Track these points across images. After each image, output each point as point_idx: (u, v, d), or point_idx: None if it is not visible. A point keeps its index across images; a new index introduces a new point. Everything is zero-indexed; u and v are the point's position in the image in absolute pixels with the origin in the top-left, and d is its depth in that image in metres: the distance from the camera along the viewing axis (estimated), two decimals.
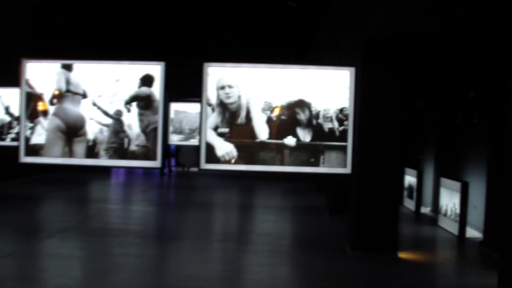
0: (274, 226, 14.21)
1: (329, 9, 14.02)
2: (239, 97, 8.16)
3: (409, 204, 16.48)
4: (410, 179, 16.66)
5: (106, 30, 18.53)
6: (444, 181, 14.19)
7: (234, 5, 18.28)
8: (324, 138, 8.11)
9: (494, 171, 12.03)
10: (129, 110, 8.42)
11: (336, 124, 8.09)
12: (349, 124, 8.06)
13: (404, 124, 11.01)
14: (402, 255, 10.85)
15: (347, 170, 8.08)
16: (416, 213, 16.14)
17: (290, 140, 8.12)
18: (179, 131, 18.40)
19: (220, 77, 8.15)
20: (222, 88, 8.16)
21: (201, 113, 8.23)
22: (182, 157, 27.70)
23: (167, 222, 14.75)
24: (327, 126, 8.10)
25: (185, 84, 16.75)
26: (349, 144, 8.06)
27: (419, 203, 16.25)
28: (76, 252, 10.87)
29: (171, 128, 18.19)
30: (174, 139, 18.44)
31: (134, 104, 8.40)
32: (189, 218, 15.32)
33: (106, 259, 10.20)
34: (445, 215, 13.93)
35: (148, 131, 8.43)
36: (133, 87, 8.38)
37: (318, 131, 8.11)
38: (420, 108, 16.51)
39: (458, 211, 13.17)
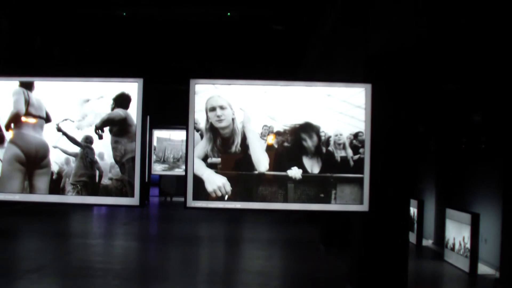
0: (265, 263, 12.66)
1: (321, 28, 12.55)
2: (233, 120, 6.55)
3: (409, 236, 14.87)
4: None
5: (73, 42, 16.68)
6: (450, 212, 12.68)
7: (219, 30, 16.93)
8: (335, 169, 6.50)
9: (510, 201, 10.59)
10: (100, 137, 6.76)
11: (350, 152, 6.49)
12: (366, 152, 6.47)
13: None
14: None
15: (364, 207, 6.46)
16: (417, 246, 14.57)
17: (295, 172, 6.50)
18: (162, 160, 16.79)
19: (210, 96, 6.55)
20: (213, 109, 6.54)
21: (187, 139, 6.61)
22: (165, 186, 25.78)
23: (150, 260, 13.12)
24: (339, 154, 6.51)
25: (169, 109, 15.27)
26: (366, 176, 6.47)
27: (420, 236, 14.71)
28: None
29: (154, 157, 16.61)
30: (158, 169, 16.81)
31: (106, 129, 6.75)
32: (174, 255, 13.72)
33: None
34: (452, 249, 12.40)
35: (124, 161, 6.78)
36: (106, 109, 6.74)
37: (328, 161, 6.50)
38: (418, 132, 15.04)
39: (468, 245, 11.66)
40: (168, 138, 16.86)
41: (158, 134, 16.84)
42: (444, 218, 13.10)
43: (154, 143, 16.67)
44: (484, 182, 12.34)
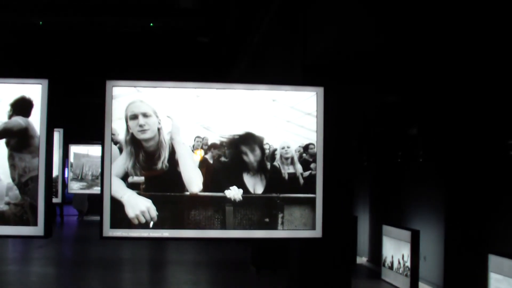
0: None
1: (255, 34, 11.46)
2: (158, 130, 5.28)
3: None
4: None
5: None
6: (387, 229, 11.80)
7: (141, 40, 15.60)
8: (283, 189, 5.33)
9: (452, 217, 9.84)
10: None
11: (299, 167, 5.35)
12: (318, 168, 5.36)
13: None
14: None
15: (317, 233, 5.32)
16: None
17: (234, 192, 5.29)
18: (80, 178, 15.19)
19: (131, 101, 5.26)
20: (134, 117, 5.24)
21: (102, 154, 5.29)
22: (76, 204, 23.55)
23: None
24: (286, 171, 5.35)
25: (87, 123, 13.79)
26: (319, 195, 5.34)
27: (354, 253, 13.79)
28: None
29: (70, 175, 15.00)
30: (75, 187, 15.17)
31: (2, 141, 5.35)
32: (94, 281, 12.21)
33: None
34: (390, 267, 11.51)
35: (24, 181, 5.39)
36: (1, 117, 5.34)
37: (274, 179, 5.33)
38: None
39: (408, 263, 10.79)
40: (86, 154, 15.32)
41: (75, 149, 15.25)
42: (380, 235, 12.23)
43: (71, 159, 15.11)
44: (421, 197, 11.58)
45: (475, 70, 8.27)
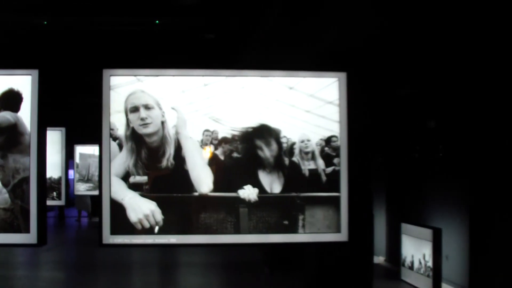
0: None
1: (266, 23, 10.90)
2: (162, 124, 4.68)
3: None
4: None
5: None
6: (407, 227, 11.13)
7: (147, 38, 15.11)
8: (303, 187, 4.73)
9: (477, 213, 9.20)
10: None
11: (321, 163, 4.74)
12: (342, 163, 4.73)
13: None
14: None
15: (342, 236, 4.70)
16: None
17: (248, 192, 4.68)
18: (86, 179, 14.63)
19: (131, 92, 4.66)
20: (135, 110, 4.64)
21: (100, 152, 4.69)
22: (79, 204, 22.45)
23: None
24: (307, 167, 4.74)
25: (92, 123, 13.30)
26: (344, 194, 4.72)
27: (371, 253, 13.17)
28: None
29: (76, 176, 14.44)
30: (81, 189, 14.61)
31: None
32: (101, 285, 11.64)
33: None
34: (411, 267, 10.86)
35: (15, 183, 4.80)
36: None
37: (293, 176, 4.72)
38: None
39: (429, 263, 10.15)
40: (93, 154, 14.74)
41: (80, 149, 14.69)
42: (398, 234, 11.59)
43: (77, 160, 14.55)
44: (440, 193, 10.94)
45: (502, 55, 7.67)
